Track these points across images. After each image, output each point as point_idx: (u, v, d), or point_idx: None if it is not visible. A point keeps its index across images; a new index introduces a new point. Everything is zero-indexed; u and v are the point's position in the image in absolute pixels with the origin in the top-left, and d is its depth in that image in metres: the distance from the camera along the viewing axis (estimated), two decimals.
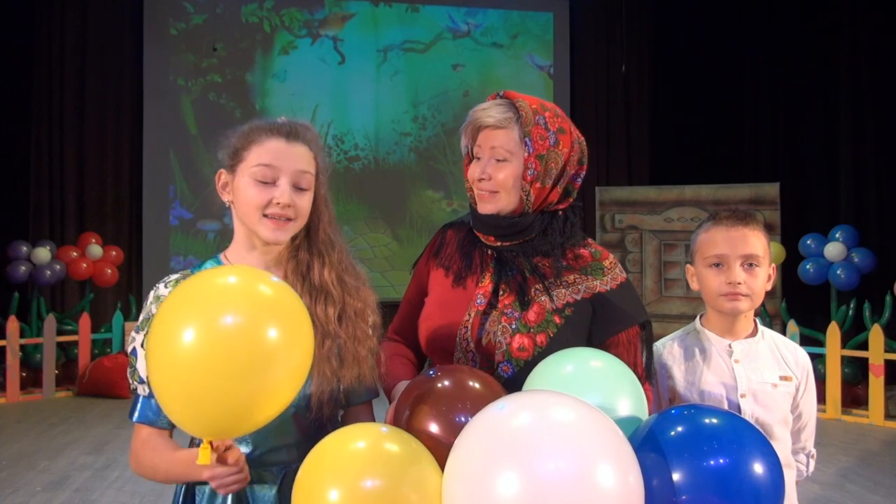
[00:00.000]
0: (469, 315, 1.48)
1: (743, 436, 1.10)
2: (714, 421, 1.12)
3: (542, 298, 1.46)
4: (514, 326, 1.44)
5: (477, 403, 1.16)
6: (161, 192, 7.79)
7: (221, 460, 1.16)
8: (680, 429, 1.11)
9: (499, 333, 1.44)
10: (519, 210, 1.48)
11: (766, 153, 7.87)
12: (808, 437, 1.66)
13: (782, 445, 1.56)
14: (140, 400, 1.34)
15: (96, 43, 7.52)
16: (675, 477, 1.05)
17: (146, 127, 7.73)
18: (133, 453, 1.36)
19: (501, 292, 1.48)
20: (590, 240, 1.56)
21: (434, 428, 1.17)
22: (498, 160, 1.47)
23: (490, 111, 1.49)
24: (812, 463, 1.69)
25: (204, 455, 1.13)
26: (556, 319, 1.45)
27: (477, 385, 1.23)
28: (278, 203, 1.32)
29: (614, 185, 7.92)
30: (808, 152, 7.42)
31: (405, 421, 1.21)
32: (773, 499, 1.06)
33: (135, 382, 1.33)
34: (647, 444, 1.10)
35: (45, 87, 7.32)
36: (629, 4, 8.23)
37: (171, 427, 1.35)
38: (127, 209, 7.73)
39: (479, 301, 1.49)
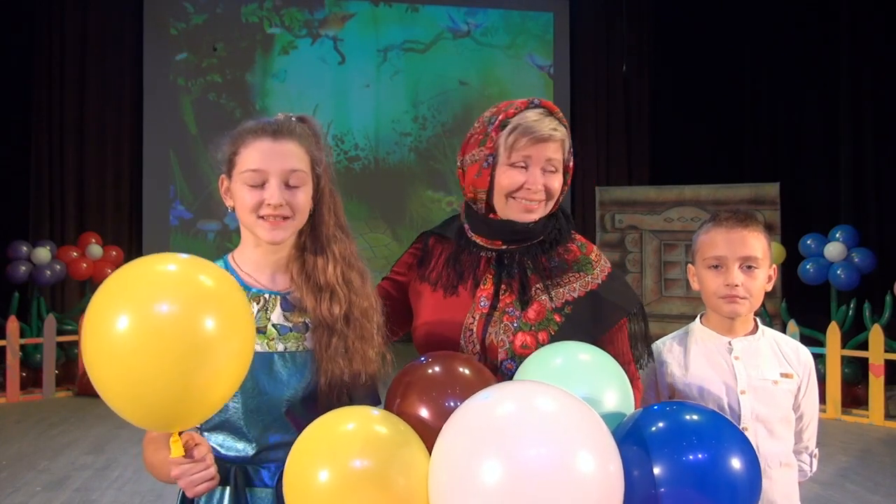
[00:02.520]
0: (473, 317, 1.50)
1: (722, 432, 1.13)
2: (695, 417, 1.16)
3: (542, 297, 1.49)
4: (515, 325, 1.47)
5: (466, 389, 1.18)
6: (161, 192, 7.79)
7: (188, 455, 1.16)
8: (662, 424, 1.14)
9: (501, 332, 1.47)
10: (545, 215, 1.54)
11: (766, 153, 7.86)
12: (811, 437, 1.65)
13: (784, 444, 1.56)
14: None
15: (96, 43, 7.52)
16: (656, 470, 1.09)
17: (146, 127, 7.73)
18: (142, 450, 1.37)
19: (503, 292, 1.51)
20: (574, 232, 1.60)
21: (424, 413, 1.20)
22: (548, 171, 1.49)
23: (549, 123, 1.47)
24: (815, 462, 1.68)
25: (175, 448, 1.14)
26: (557, 318, 1.47)
27: (467, 371, 1.26)
28: (269, 204, 1.32)
29: (614, 185, 7.92)
30: (808, 152, 7.42)
31: (396, 406, 1.24)
32: (748, 494, 1.10)
33: None
34: (630, 437, 1.14)
35: (45, 88, 7.32)
36: (629, 4, 8.23)
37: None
38: (127, 209, 7.73)
39: (482, 303, 1.51)
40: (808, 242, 6.09)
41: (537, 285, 1.50)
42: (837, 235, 5.96)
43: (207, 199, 7.80)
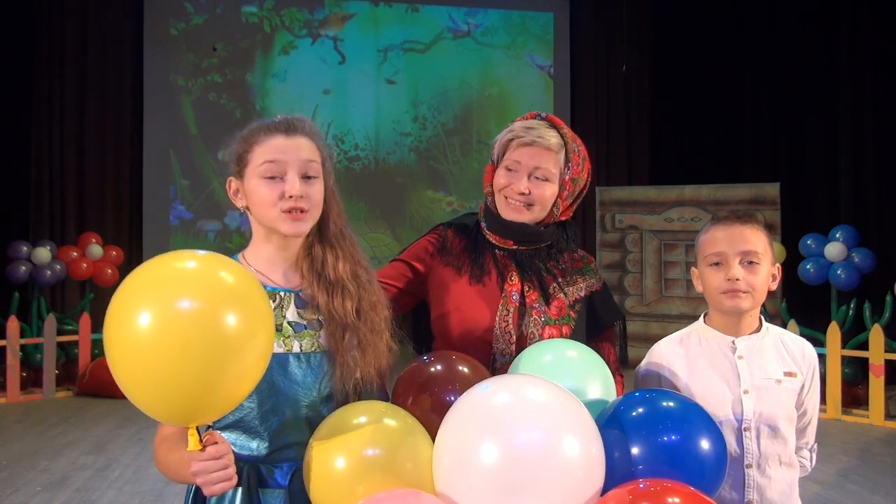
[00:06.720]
0: (508, 310, 1.62)
1: (692, 416, 1.26)
2: (669, 404, 1.28)
3: (560, 295, 1.65)
4: (542, 319, 1.62)
5: (465, 385, 1.29)
6: (161, 192, 7.79)
7: (204, 450, 1.17)
8: (639, 410, 1.26)
9: (531, 325, 1.62)
10: (546, 221, 1.67)
11: (766, 153, 7.86)
12: (812, 433, 1.66)
13: (785, 444, 1.55)
14: None
15: (96, 43, 7.51)
16: (633, 450, 1.21)
17: (146, 127, 7.73)
18: (154, 450, 1.38)
19: (527, 289, 1.64)
20: (577, 248, 1.80)
21: (428, 407, 1.32)
22: (539, 178, 1.62)
23: (543, 133, 1.61)
24: (814, 457, 1.69)
25: (192, 441, 1.15)
26: (572, 314, 1.65)
27: (465, 369, 1.38)
28: (290, 196, 1.34)
29: (614, 185, 7.91)
30: (808, 152, 7.41)
31: (402, 402, 1.34)
32: (715, 469, 1.23)
33: None
34: (611, 422, 1.26)
35: (45, 88, 7.32)
36: (629, 4, 8.23)
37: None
38: (127, 209, 7.73)
39: (514, 297, 1.63)
40: (808, 242, 6.09)
41: (553, 284, 1.66)
42: (837, 235, 5.96)
43: (207, 199, 7.80)
